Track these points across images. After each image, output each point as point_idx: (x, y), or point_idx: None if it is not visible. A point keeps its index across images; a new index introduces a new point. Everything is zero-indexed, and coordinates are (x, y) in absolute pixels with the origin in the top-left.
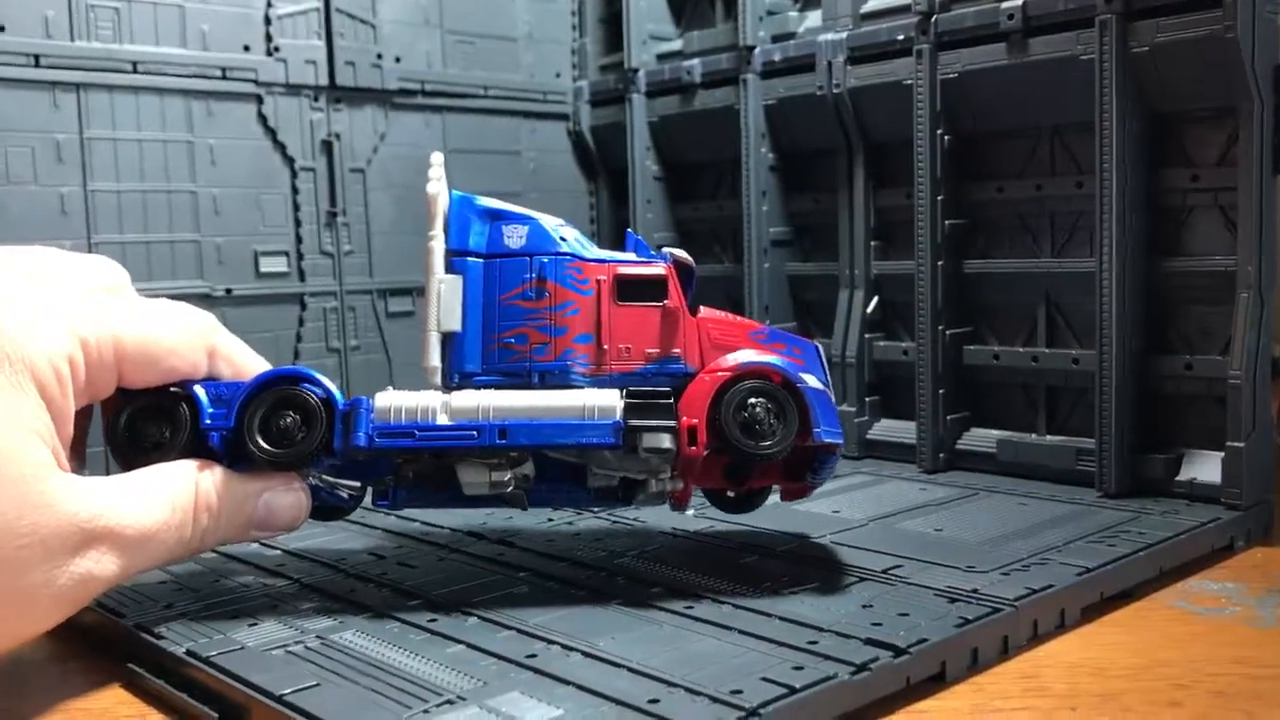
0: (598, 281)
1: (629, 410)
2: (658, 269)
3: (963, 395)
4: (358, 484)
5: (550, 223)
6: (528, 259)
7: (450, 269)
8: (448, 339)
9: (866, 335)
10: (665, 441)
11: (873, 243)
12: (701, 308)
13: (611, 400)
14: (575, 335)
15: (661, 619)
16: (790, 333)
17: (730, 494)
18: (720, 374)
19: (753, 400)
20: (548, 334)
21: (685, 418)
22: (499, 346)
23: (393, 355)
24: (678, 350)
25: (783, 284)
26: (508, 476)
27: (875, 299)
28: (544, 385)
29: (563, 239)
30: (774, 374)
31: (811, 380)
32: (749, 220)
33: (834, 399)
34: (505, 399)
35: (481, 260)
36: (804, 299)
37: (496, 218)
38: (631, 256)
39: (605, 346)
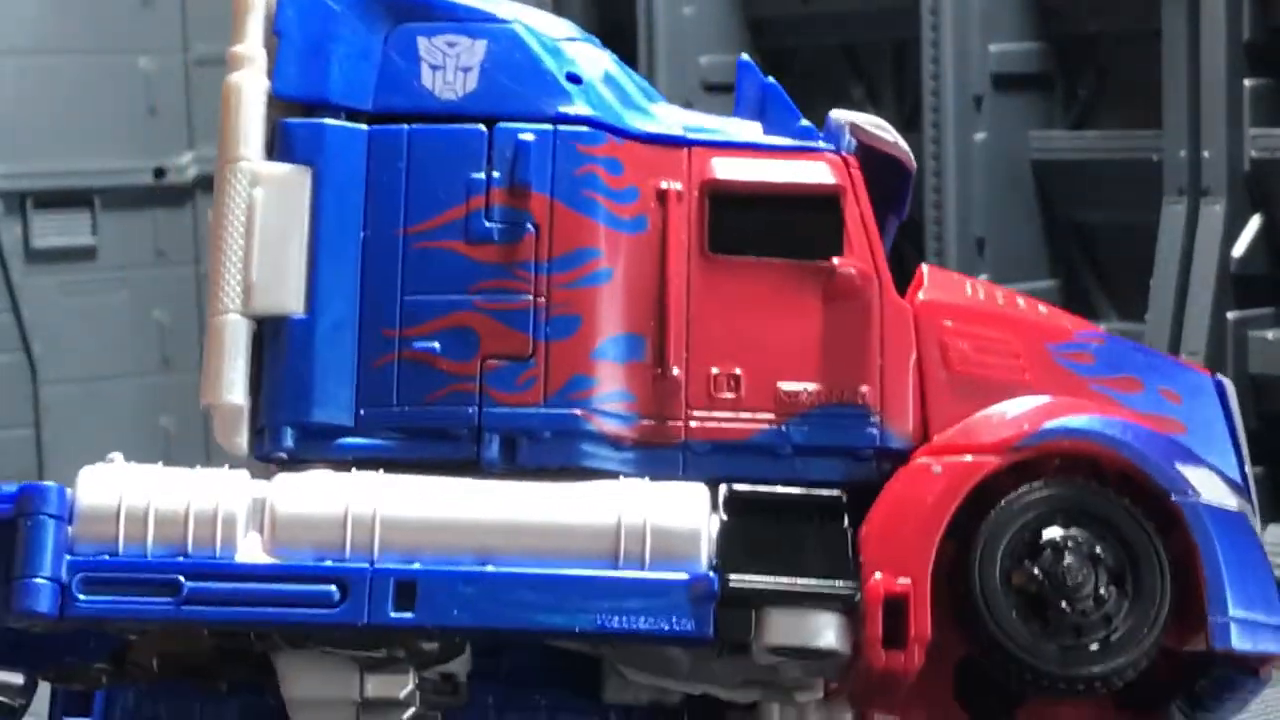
0: (661, 197)
1: (732, 546)
2: (819, 167)
3: None
4: (19, 680)
5: (544, 27)
6: (481, 130)
7: (280, 150)
8: (270, 335)
9: (1230, 314)
10: (827, 636)
11: (1247, 83)
12: (925, 276)
13: (690, 513)
14: (600, 339)
15: None
16: (1161, 356)
17: None
18: (976, 460)
19: (1059, 536)
20: (528, 333)
21: (879, 571)
22: (402, 361)
23: (55, 364)
24: (863, 387)
25: (1020, 183)
26: (408, 689)
27: (1256, 219)
28: (512, 466)
29: (576, 79)
30: (1121, 465)
31: (1208, 485)
32: (930, 24)
33: (1259, 527)
34: (415, 502)
35: (364, 129)
36: (1072, 219)
37: (406, 14)
38: (747, 129)
39: (677, 370)
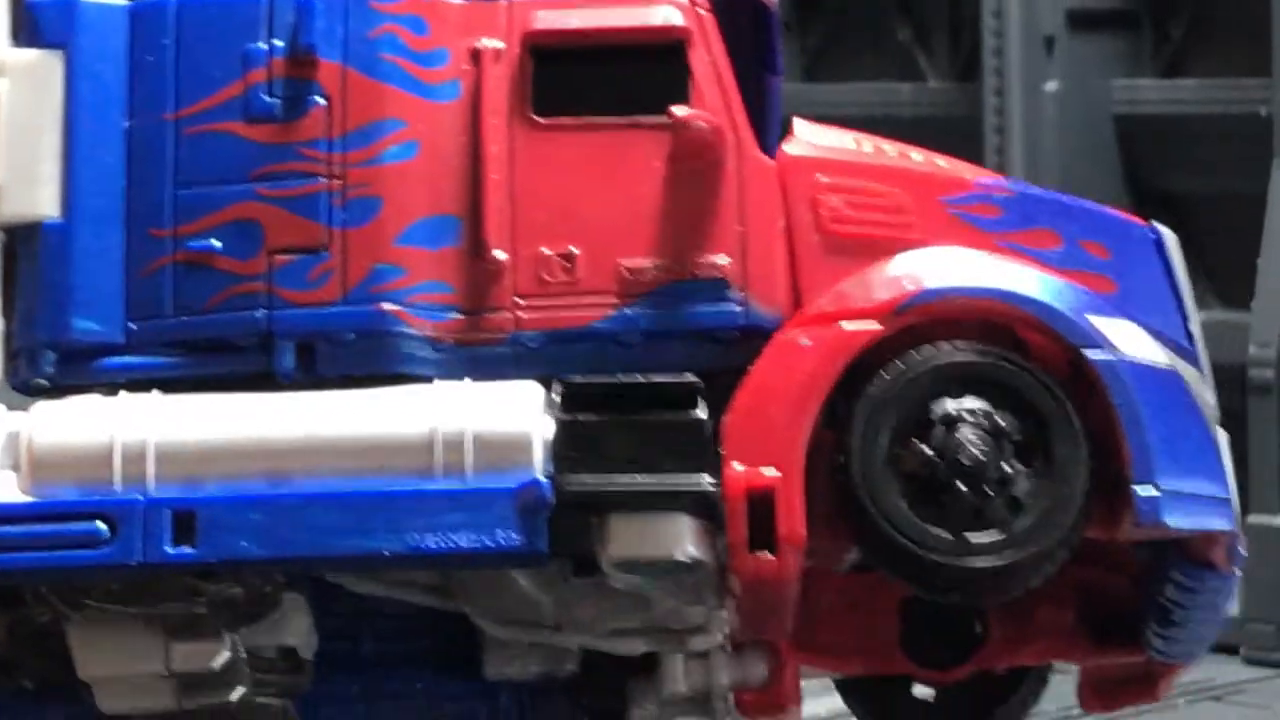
0: (476, 58)
1: (570, 448)
2: (662, 11)
3: None
4: None
5: None
6: None
7: (27, 35)
8: (22, 245)
9: None
10: (682, 544)
11: None
12: (801, 131)
13: (518, 415)
14: (407, 223)
15: None
16: (1084, 204)
17: (944, 686)
18: (852, 329)
19: (952, 409)
20: (320, 221)
21: (740, 463)
22: (176, 265)
23: None
24: (720, 259)
25: (1099, 142)
26: (222, 657)
27: None
28: (311, 377)
29: None
30: (1023, 322)
31: (1131, 340)
32: None
33: (1211, 409)
34: (194, 425)
35: (124, 5)
36: (1162, 186)
37: None
38: None
39: (501, 253)
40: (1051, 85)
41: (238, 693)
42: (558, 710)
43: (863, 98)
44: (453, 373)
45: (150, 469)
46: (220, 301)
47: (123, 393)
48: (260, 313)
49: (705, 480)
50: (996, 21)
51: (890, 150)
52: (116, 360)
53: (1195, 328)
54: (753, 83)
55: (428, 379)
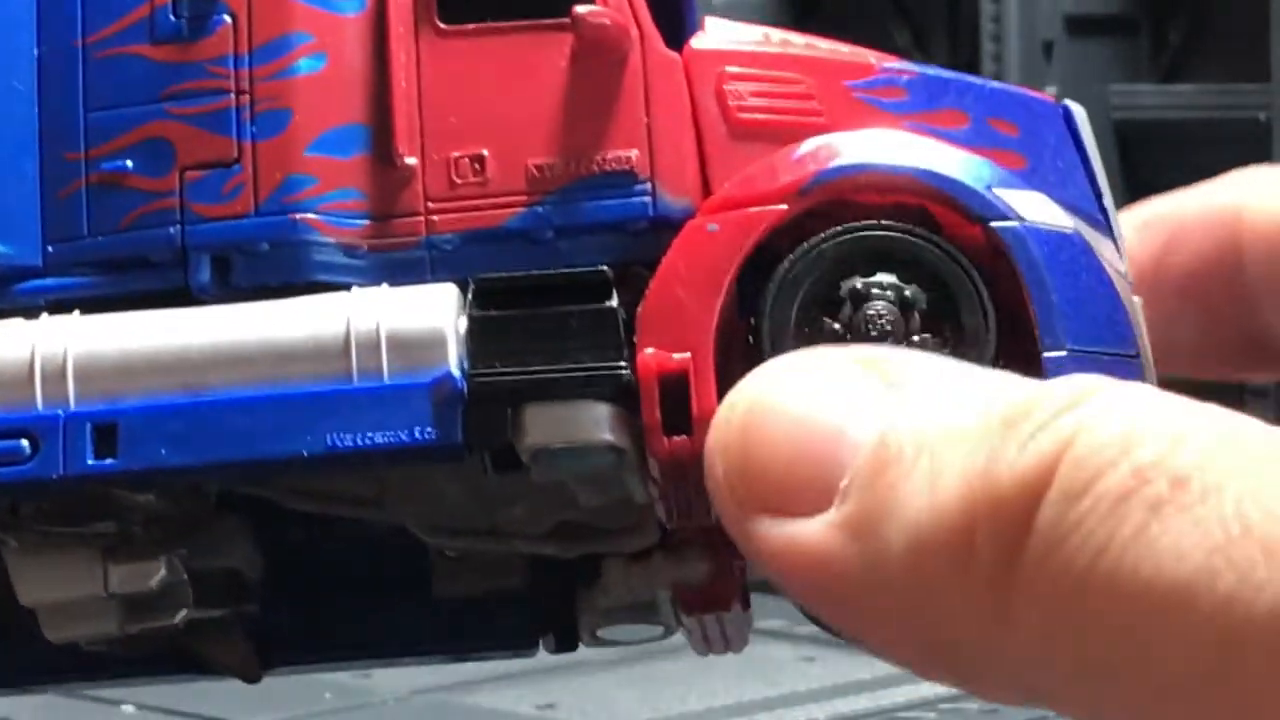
0: None
1: (485, 343)
2: None
3: None
4: None
5: None
6: None
7: None
8: None
9: None
10: (597, 428)
11: None
12: (710, 27)
13: (432, 313)
14: (317, 133)
15: None
16: (991, 84)
17: None
18: (758, 211)
19: (860, 284)
20: (231, 135)
21: (652, 348)
22: (90, 186)
23: None
24: (627, 152)
25: (1099, 138)
26: (159, 575)
27: None
28: (228, 290)
29: None
30: (928, 195)
31: (1036, 208)
32: None
33: (1123, 278)
34: (113, 339)
35: None
36: (1161, 191)
37: None
38: None
39: (411, 158)
40: (1050, 90)
41: (181, 614)
42: (510, 625)
43: None
44: (369, 278)
45: (70, 386)
46: (135, 219)
47: (44, 315)
48: (174, 229)
49: (618, 366)
50: (995, 26)
51: (798, 41)
52: (35, 283)
53: (1108, 201)
54: None
55: (345, 286)
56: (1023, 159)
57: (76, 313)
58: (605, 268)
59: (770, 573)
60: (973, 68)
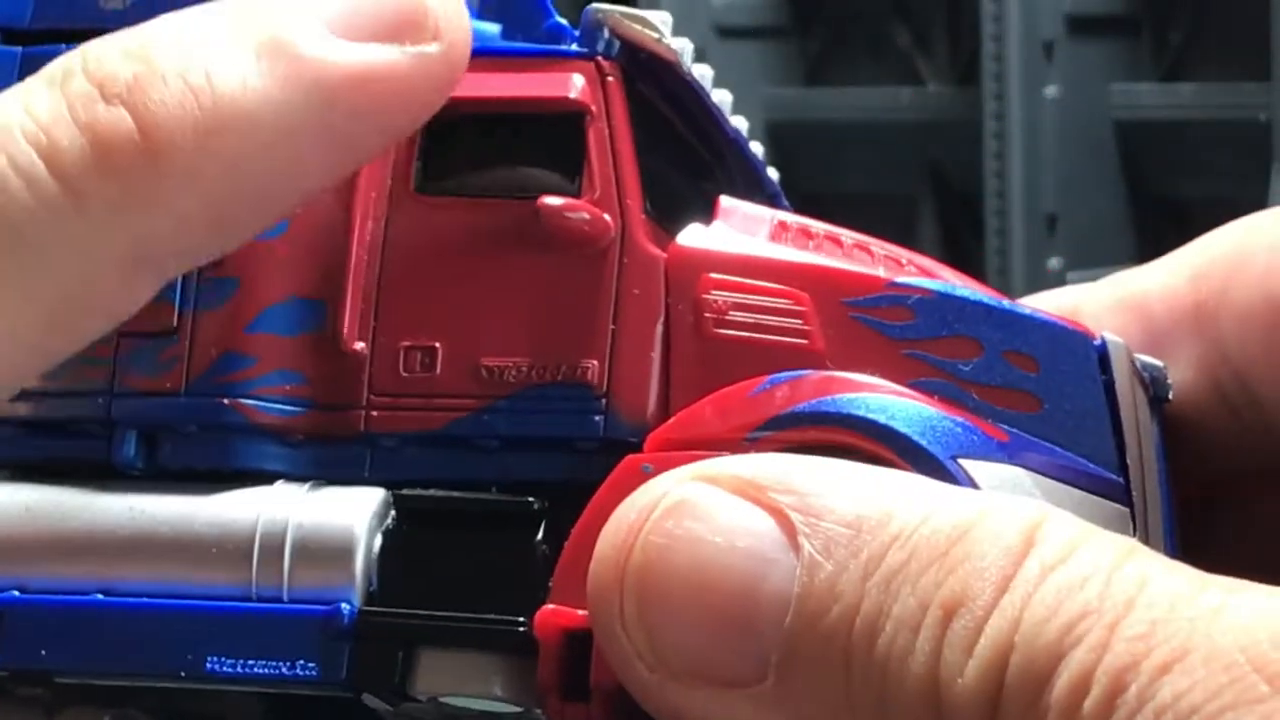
0: None
1: (395, 568)
2: (561, 79)
3: None
4: None
5: None
6: None
7: None
8: None
9: None
10: (492, 684)
11: None
12: (723, 210)
13: (345, 526)
14: (262, 307)
15: None
16: (1019, 310)
17: None
18: (700, 452)
19: None
20: (173, 302)
21: (561, 600)
22: None
23: None
24: (586, 362)
25: (1099, 148)
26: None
27: None
28: (153, 468)
29: None
30: (884, 458)
31: (1005, 484)
32: None
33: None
34: (14, 515)
35: (18, 50)
36: (1162, 192)
37: None
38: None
39: (360, 344)
40: (1051, 90)
41: None
42: None
43: (863, 102)
44: (302, 470)
45: None
46: (64, 384)
47: None
48: (103, 398)
49: (516, 621)
50: (996, 26)
51: (818, 230)
52: None
53: (1133, 457)
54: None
55: (274, 476)
56: (1037, 402)
57: None
58: (533, 500)
59: None
60: (974, 68)
